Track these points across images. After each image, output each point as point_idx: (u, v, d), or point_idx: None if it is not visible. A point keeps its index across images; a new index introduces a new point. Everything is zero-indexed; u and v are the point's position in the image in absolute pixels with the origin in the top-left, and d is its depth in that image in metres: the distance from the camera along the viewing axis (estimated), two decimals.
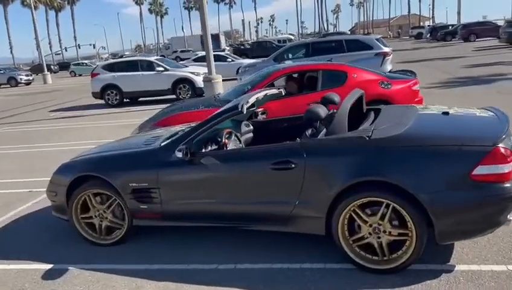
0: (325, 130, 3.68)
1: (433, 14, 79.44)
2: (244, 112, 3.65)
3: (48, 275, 3.66)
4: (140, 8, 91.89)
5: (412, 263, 3.13)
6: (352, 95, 3.86)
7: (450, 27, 45.34)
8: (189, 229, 4.08)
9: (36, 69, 44.47)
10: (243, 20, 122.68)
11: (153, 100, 15.31)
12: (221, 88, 12.11)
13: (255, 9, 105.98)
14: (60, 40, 78.31)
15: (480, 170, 2.90)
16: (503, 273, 3.08)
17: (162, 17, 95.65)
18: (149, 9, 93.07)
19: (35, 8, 46.15)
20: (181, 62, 20.42)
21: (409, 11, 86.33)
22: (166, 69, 15.01)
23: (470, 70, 15.73)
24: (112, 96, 15.09)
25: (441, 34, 42.55)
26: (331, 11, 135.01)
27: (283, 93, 4.65)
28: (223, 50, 35.53)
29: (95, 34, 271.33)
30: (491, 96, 10.27)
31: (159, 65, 15.18)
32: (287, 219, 3.41)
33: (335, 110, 4.06)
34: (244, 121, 4.70)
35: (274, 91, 4.47)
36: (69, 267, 3.74)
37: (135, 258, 3.80)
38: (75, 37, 79.36)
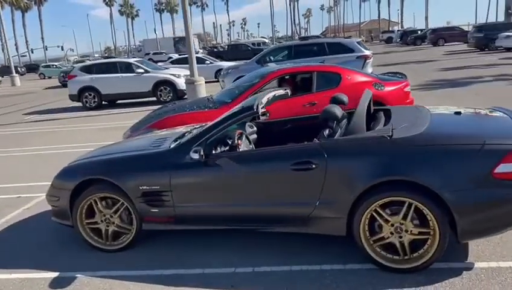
0: (339, 130, 3.68)
1: (401, 19, 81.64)
2: (260, 113, 3.60)
3: (56, 284, 3.49)
4: (111, 10, 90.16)
5: (434, 261, 3.15)
6: (366, 96, 3.88)
7: (419, 32, 46.64)
8: (200, 233, 3.99)
9: (2, 71, 42.83)
10: (214, 23, 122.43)
11: (132, 103, 15.03)
12: (204, 90, 12.01)
13: (228, 12, 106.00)
14: (26, 42, 76.01)
15: (502, 168, 2.95)
16: None
17: (133, 19, 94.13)
18: (119, 11, 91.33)
19: (1, 8, 44.44)
20: (159, 64, 20.09)
21: (378, 16, 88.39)
22: (146, 71, 14.77)
23: (445, 74, 16.19)
24: (90, 99, 14.71)
25: (411, 38, 43.73)
26: (302, 15, 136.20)
27: (289, 94, 4.63)
28: (197, 52, 35.24)
29: (63, 36, 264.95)
30: (471, 97, 10.59)
31: (139, 67, 14.92)
32: (307, 220, 3.38)
33: (347, 111, 4.07)
34: (247, 122, 4.65)
35: (281, 92, 4.43)
36: (78, 275, 3.58)
37: (148, 264, 3.68)
38: (42, 38, 77.02)
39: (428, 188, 3.01)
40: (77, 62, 31.32)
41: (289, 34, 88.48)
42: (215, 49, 44.64)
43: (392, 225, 3.18)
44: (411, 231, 3.15)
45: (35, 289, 3.45)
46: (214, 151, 3.70)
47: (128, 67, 14.98)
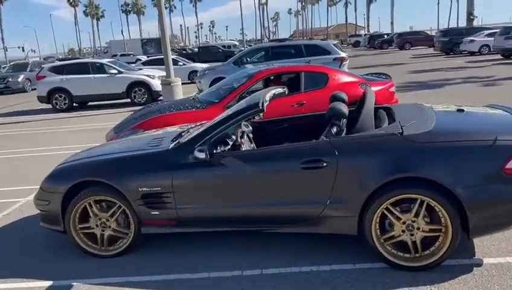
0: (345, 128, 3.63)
1: (368, 23, 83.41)
2: (265, 110, 3.51)
3: None
4: (75, 10, 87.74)
5: (446, 259, 3.14)
6: (370, 94, 3.85)
7: (386, 36, 47.74)
8: (201, 234, 3.84)
9: None
10: (181, 26, 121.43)
11: (104, 104, 14.58)
12: (180, 91, 11.78)
13: (196, 14, 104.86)
14: None
15: None
16: None
17: (98, 20, 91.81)
18: (84, 12, 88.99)
19: None
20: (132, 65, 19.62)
21: (346, 20, 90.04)
22: (119, 72, 14.36)
23: (415, 76, 16.57)
24: (61, 101, 14.15)
25: (378, 42, 44.72)
26: (271, 18, 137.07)
27: (286, 93, 4.55)
28: None
29: (24, 37, 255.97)
30: (446, 99, 10.84)
31: (112, 67, 14.50)
32: (317, 219, 3.30)
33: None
34: (243, 122, 4.54)
35: (280, 90, 4.35)
36: (73, 283, 3.36)
37: (150, 269, 3.50)
38: (2, 38, 73.96)
39: (441, 185, 2.99)
40: (16, 65, 26.02)
41: (258, 37, 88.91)
42: (184, 51, 44.13)
43: (404, 223, 3.15)
44: (422, 228, 3.13)
45: None
46: (215, 151, 3.57)
47: (100, 68, 14.53)
